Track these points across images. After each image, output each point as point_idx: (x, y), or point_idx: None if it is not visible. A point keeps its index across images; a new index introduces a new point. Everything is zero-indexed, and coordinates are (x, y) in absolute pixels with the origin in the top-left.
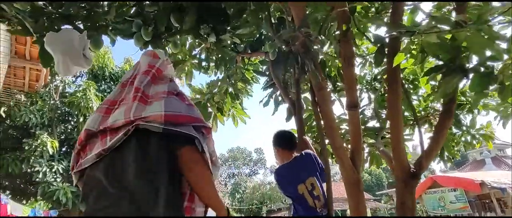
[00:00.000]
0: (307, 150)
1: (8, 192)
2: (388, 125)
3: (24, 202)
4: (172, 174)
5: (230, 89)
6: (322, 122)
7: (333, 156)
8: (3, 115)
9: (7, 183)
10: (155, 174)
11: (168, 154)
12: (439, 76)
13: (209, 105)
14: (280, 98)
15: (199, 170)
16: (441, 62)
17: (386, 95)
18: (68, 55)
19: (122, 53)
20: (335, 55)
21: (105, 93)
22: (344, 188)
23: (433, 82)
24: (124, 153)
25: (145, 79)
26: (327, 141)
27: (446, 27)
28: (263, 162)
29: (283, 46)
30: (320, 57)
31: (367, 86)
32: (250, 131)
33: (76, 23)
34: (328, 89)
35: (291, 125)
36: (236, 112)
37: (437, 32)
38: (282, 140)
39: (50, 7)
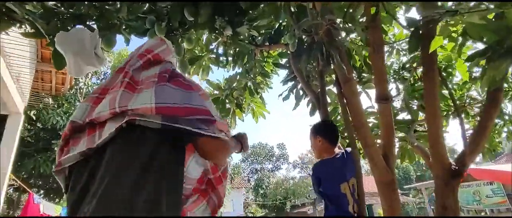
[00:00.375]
0: (349, 148)
1: (42, 191)
2: (418, 117)
3: (57, 200)
4: (170, 172)
5: (249, 84)
6: (349, 117)
7: (360, 151)
8: (34, 118)
9: (40, 183)
10: (145, 177)
11: (168, 148)
12: (482, 62)
13: (227, 101)
14: (301, 92)
15: (222, 153)
16: (480, 46)
17: (416, 85)
18: (79, 55)
19: None
20: (360, 43)
21: None
22: (373, 183)
23: (476, 69)
24: (112, 152)
25: (137, 63)
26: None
27: (492, 6)
28: (285, 157)
29: (304, 37)
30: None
31: (394, 76)
32: (270, 125)
33: (89, 22)
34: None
35: (313, 120)
36: (255, 106)
37: (484, 10)
38: (329, 131)
39: (62, 8)
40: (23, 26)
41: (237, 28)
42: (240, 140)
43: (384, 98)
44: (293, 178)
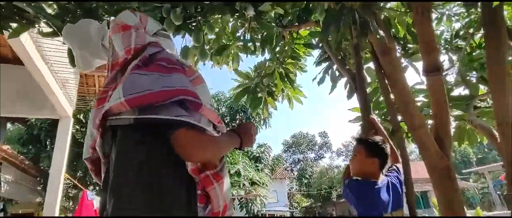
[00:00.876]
0: (395, 168)
1: (97, 188)
2: (479, 91)
3: None
4: (156, 175)
5: (280, 69)
6: (392, 96)
7: (409, 136)
8: (83, 121)
9: (94, 180)
10: (125, 183)
11: (147, 145)
12: None
13: (258, 90)
14: (337, 73)
15: (204, 151)
16: None
17: (474, 54)
18: (86, 47)
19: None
20: (401, 9)
21: None
22: (426, 171)
23: None
24: (112, 162)
25: (113, 74)
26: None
27: None
28: (328, 145)
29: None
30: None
31: (446, 46)
32: (310, 113)
33: (107, 18)
34: (398, 53)
35: (352, 103)
36: (290, 92)
37: None
38: (386, 158)
39: (73, 3)
40: (37, 25)
41: (259, 6)
42: (240, 133)
43: (433, 69)
44: (337, 166)
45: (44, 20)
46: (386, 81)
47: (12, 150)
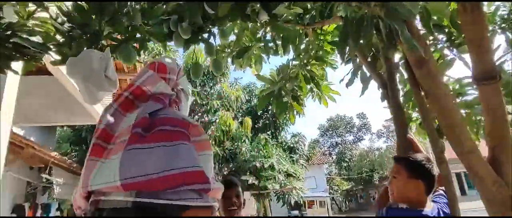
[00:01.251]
0: (442, 193)
1: None
2: None
3: None
4: None
5: (304, 72)
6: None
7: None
8: None
9: None
10: None
11: None
12: None
13: (283, 94)
14: (368, 73)
15: None
16: None
17: None
18: (89, 80)
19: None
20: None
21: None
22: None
23: None
24: None
25: (109, 111)
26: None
27: None
28: (367, 127)
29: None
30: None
31: (503, 24)
32: (348, 95)
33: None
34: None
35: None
36: (321, 91)
37: None
38: (433, 181)
39: (77, 30)
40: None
41: (272, 10)
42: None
43: (488, 76)
44: (378, 148)
45: (53, 50)
46: (423, 96)
47: (59, 155)
